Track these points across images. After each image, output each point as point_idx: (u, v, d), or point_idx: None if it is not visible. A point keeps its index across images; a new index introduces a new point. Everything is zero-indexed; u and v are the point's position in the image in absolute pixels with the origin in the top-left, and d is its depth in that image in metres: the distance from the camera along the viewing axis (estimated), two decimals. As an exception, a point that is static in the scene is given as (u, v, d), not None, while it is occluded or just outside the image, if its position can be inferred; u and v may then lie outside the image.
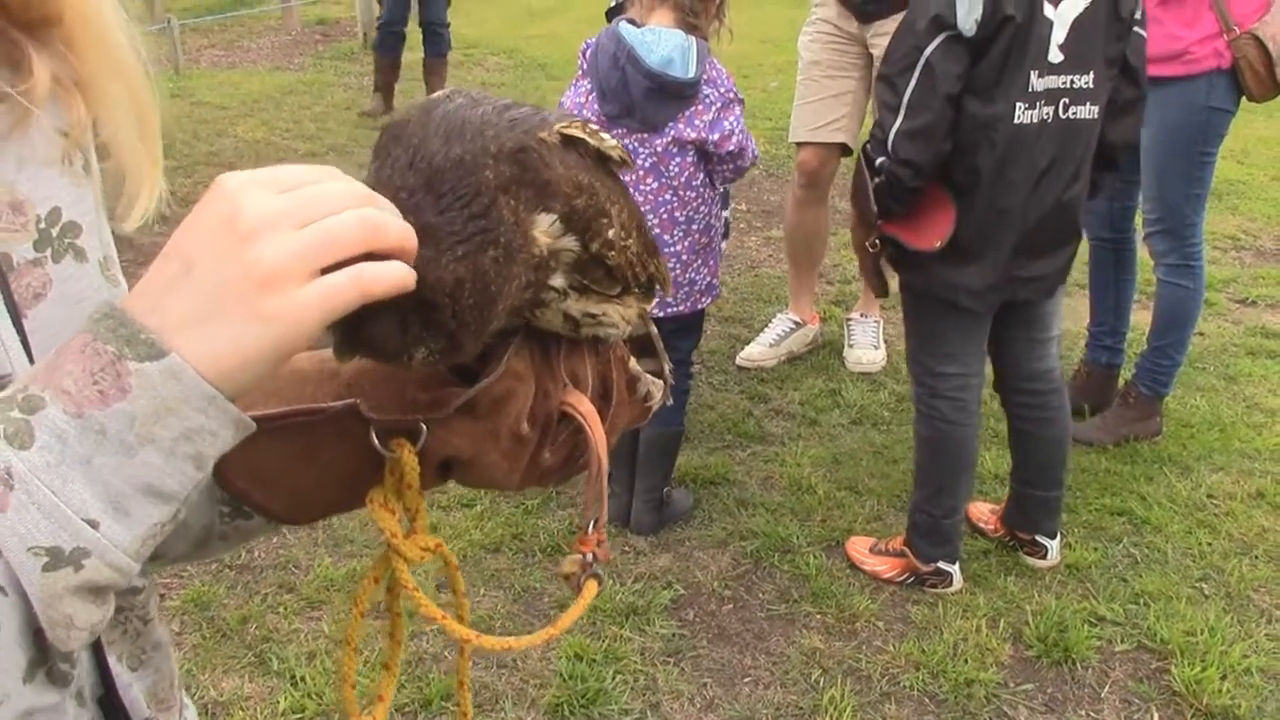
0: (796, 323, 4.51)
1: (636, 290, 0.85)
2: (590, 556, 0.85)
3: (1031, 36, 2.67)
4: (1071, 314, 4.85)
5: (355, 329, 0.68)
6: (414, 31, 7.68)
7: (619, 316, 0.83)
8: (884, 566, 3.17)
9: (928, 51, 2.66)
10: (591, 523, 0.86)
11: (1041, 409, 3.13)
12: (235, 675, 2.73)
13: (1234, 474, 3.72)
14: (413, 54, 7.86)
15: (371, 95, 7.77)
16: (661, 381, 0.92)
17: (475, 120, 0.74)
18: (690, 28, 3.06)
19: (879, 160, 2.77)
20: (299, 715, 2.61)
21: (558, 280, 0.77)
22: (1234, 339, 4.74)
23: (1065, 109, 2.76)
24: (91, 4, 0.74)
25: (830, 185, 4.47)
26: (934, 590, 3.13)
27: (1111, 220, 3.96)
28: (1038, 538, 3.22)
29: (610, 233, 0.79)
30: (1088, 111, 2.79)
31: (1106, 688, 2.80)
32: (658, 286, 0.88)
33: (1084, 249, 4.09)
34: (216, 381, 0.61)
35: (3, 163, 0.71)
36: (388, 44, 7.59)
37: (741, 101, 3.15)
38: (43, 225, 0.73)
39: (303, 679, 2.70)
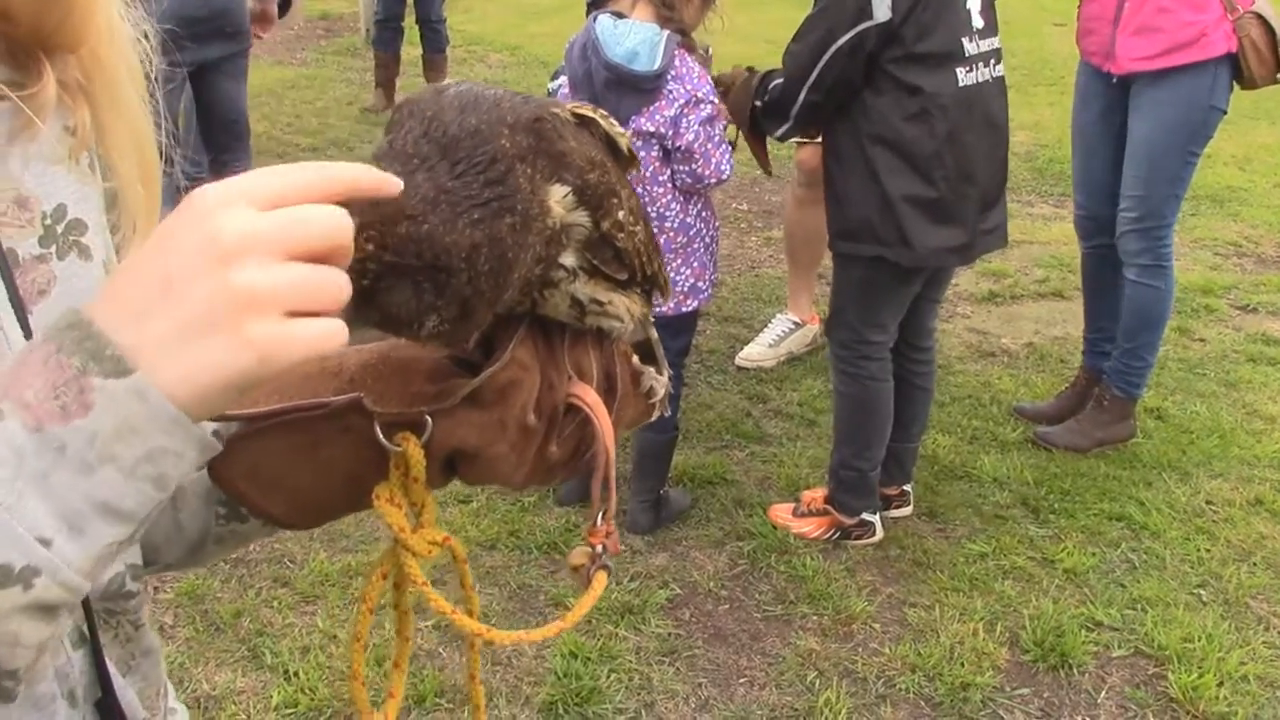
0: (796, 323, 4.50)
1: (640, 287, 0.84)
2: (600, 548, 0.84)
3: (956, 8, 2.96)
4: (1072, 318, 4.85)
5: (369, 295, 0.66)
6: (414, 28, 7.68)
7: (624, 308, 0.82)
8: (810, 527, 3.35)
9: (842, 39, 2.91)
10: (600, 514, 0.85)
11: (927, 364, 3.41)
12: (228, 669, 2.72)
13: (1233, 480, 3.71)
14: (415, 49, 7.86)
15: (373, 91, 7.76)
16: (664, 378, 0.91)
17: (489, 96, 0.73)
18: (665, 20, 3.02)
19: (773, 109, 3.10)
20: (292, 710, 2.60)
21: (568, 259, 0.76)
22: (1235, 345, 4.73)
23: (993, 69, 3.07)
24: (105, 50, 0.74)
25: (831, 186, 4.46)
26: (861, 542, 3.30)
27: (1112, 227, 3.93)
28: (906, 487, 3.46)
29: (620, 214, 0.78)
30: (1002, 69, 3.13)
31: (1103, 693, 2.80)
32: (656, 293, 0.87)
33: (1076, 256, 4.10)
34: (189, 404, 0.59)
35: (9, 159, 0.71)
36: (385, 39, 7.60)
37: (713, 104, 3.06)
38: (48, 221, 0.73)
39: (296, 674, 2.69)
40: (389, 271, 0.67)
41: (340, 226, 0.61)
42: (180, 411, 0.59)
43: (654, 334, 0.92)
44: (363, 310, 0.68)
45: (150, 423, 0.58)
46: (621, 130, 0.80)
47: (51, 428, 0.57)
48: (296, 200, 0.60)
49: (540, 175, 0.72)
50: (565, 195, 0.74)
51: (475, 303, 0.71)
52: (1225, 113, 3.65)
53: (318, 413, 0.77)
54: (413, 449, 0.75)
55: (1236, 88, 3.66)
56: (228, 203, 0.59)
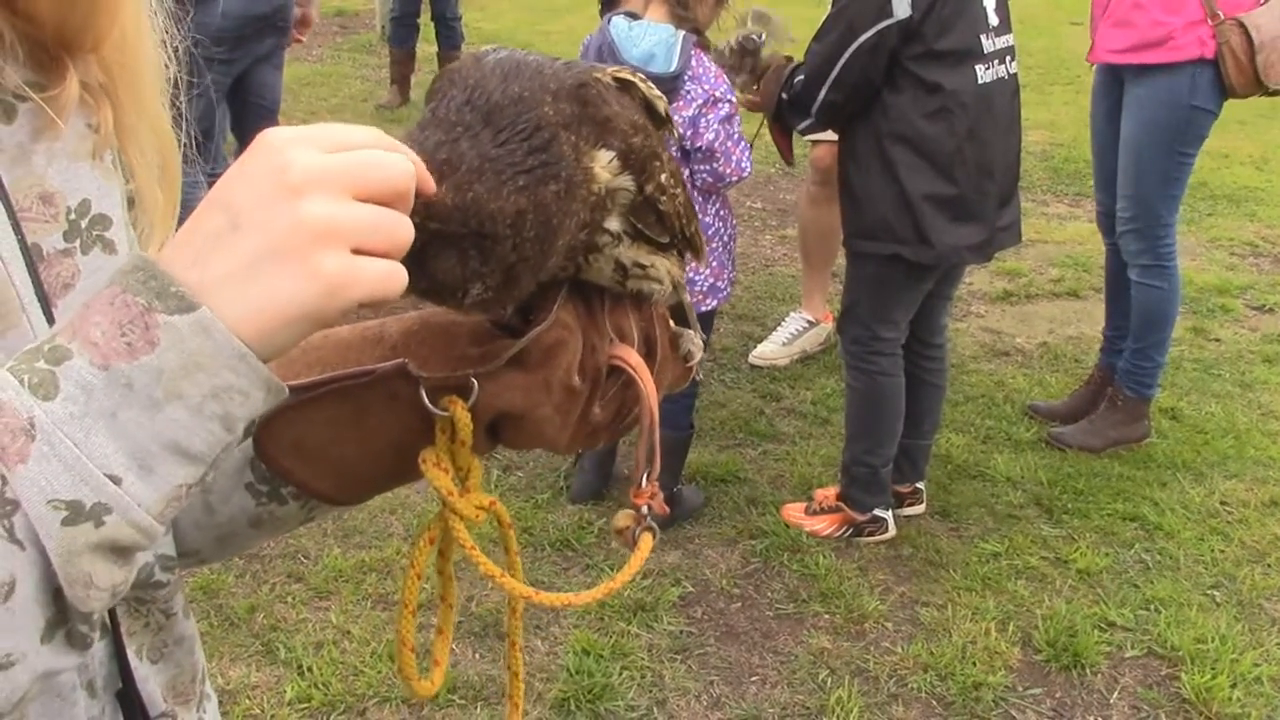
0: (810, 321, 4.50)
1: (677, 249, 0.84)
2: (646, 509, 0.84)
3: (974, 5, 2.99)
4: (1086, 317, 4.84)
5: (415, 263, 0.67)
6: (430, 25, 7.69)
7: (665, 271, 0.82)
8: (822, 524, 3.35)
9: (863, 37, 2.92)
10: (644, 475, 0.84)
11: (939, 361, 3.42)
12: (242, 664, 2.73)
13: (1248, 481, 3.70)
14: (430, 46, 7.87)
15: (388, 88, 7.78)
16: (699, 341, 0.91)
17: (531, 63, 0.74)
18: (680, 20, 3.02)
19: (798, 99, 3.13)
20: (305, 705, 2.61)
21: (613, 223, 0.77)
22: (1250, 346, 4.71)
23: (1008, 66, 3.09)
24: (129, 52, 0.75)
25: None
26: (874, 539, 3.30)
27: None
28: (919, 485, 3.46)
29: (662, 177, 0.78)
30: (1016, 66, 3.15)
31: (1116, 693, 2.79)
32: (688, 255, 0.88)
33: (1101, 255, 4.09)
34: (254, 341, 0.60)
35: (33, 157, 0.71)
36: (400, 36, 7.64)
37: (731, 103, 3.06)
38: (72, 217, 0.73)
39: (309, 669, 2.70)
40: (434, 239, 0.67)
41: (406, 173, 0.62)
42: (247, 348, 0.59)
43: (687, 298, 0.92)
44: (409, 278, 0.69)
45: (215, 358, 0.59)
46: (659, 94, 0.81)
47: (118, 365, 0.58)
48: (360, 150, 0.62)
49: (585, 141, 0.73)
50: (611, 160, 0.74)
51: (520, 270, 0.71)
52: (1215, 114, 3.62)
53: (362, 380, 0.77)
54: (460, 412, 0.75)
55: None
56: (297, 142, 0.61)
